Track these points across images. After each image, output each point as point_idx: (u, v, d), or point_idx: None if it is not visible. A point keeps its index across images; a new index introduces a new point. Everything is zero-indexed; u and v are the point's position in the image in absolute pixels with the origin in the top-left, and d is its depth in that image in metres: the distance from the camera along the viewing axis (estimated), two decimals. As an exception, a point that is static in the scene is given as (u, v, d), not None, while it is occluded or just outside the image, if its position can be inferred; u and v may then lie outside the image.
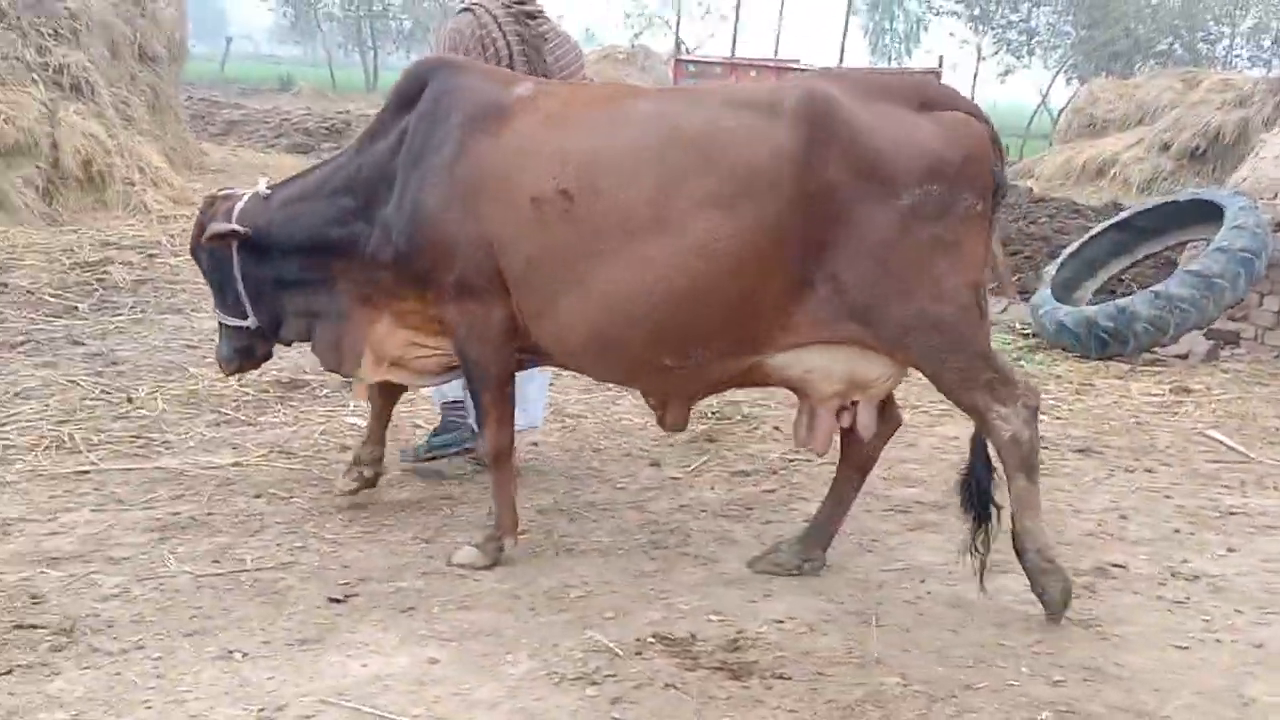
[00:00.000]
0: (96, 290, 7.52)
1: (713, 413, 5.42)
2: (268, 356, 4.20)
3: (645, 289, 3.32)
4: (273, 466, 4.56)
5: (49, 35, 10.21)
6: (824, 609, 3.45)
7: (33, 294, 7.34)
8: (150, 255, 8.79)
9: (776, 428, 5.30)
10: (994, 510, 3.46)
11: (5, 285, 7.49)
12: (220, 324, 4.09)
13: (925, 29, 51.56)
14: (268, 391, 5.52)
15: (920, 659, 3.16)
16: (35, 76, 9.98)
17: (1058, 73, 31.94)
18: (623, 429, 5.28)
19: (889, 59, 51.34)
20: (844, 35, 18.16)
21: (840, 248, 3.24)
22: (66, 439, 4.65)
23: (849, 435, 3.64)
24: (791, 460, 4.88)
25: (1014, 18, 32.08)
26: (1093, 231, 7.89)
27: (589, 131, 3.49)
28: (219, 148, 16.96)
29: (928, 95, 3.37)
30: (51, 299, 7.25)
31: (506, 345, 3.61)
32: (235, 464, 4.53)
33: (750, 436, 5.23)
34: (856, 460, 3.70)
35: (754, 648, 3.17)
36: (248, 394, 5.46)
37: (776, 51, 18.64)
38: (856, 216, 3.22)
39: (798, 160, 3.21)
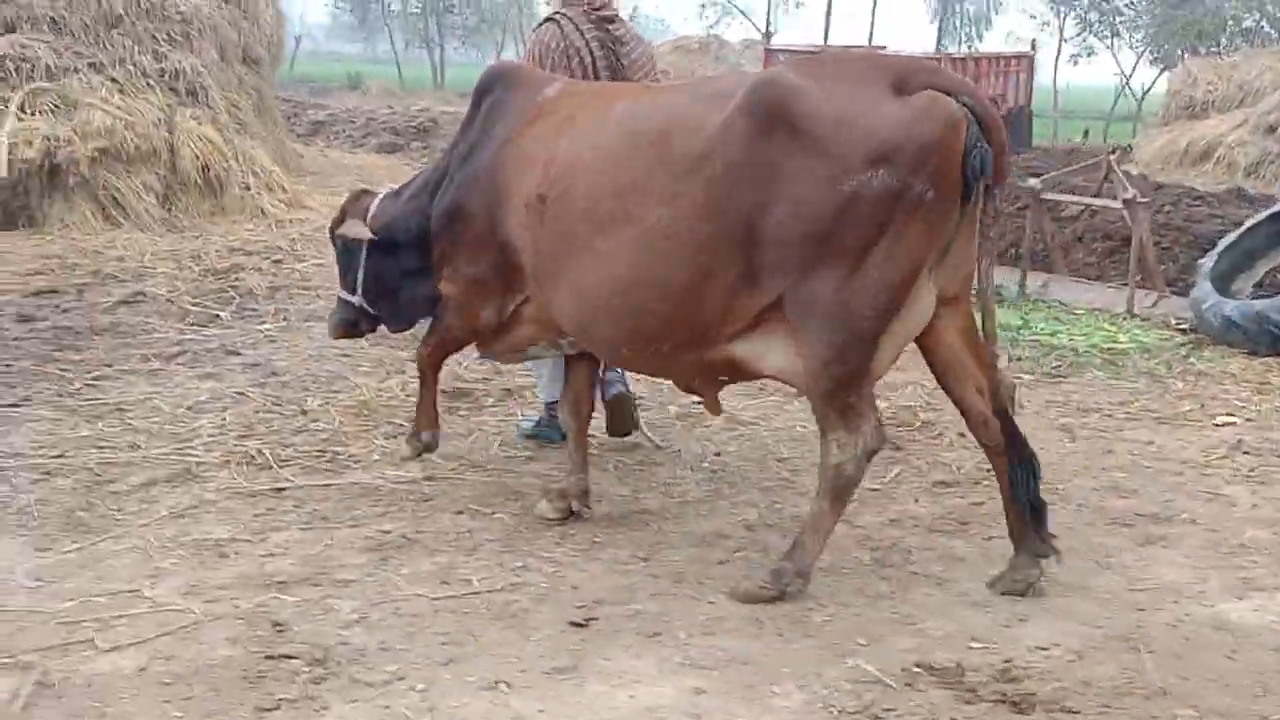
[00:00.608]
0: (234, 298, 7.51)
1: (889, 417, 5.27)
2: (371, 330, 4.59)
3: (604, 281, 3.54)
4: (463, 479, 4.49)
5: (164, 40, 10.25)
6: (1086, 634, 3.29)
7: (172, 302, 7.35)
8: (276, 261, 8.79)
9: (961, 434, 5.13)
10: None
11: (143, 294, 7.51)
12: (339, 296, 4.52)
13: (997, 10, 50.80)
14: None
15: (1204, 688, 3.01)
16: (151, 82, 10.02)
17: (1143, 53, 31.27)
18: (800, 436, 5.14)
19: (959, 43, 50.61)
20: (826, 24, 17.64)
21: (780, 230, 3.22)
22: (255, 454, 4.61)
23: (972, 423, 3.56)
24: (988, 469, 4.71)
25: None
26: (1250, 222, 7.62)
27: (573, 135, 3.70)
28: (307, 148, 17.01)
29: (904, 77, 3.22)
30: (192, 307, 7.25)
31: (476, 334, 4.15)
32: (428, 478, 4.46)
33: (937, 444, 5.08)
34: (991, 447, 3.57)
35: (1029, 678, 3.02)
36: (406, 397, 5.40)
37: (871, 39, 18.32)
38: (799, 198, 3.18)
39: (739, 146, 3.25)
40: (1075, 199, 8.61)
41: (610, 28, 4.67)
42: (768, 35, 17.34)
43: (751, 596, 3.42)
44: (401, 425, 5.08)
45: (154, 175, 9.65)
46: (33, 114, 9.24)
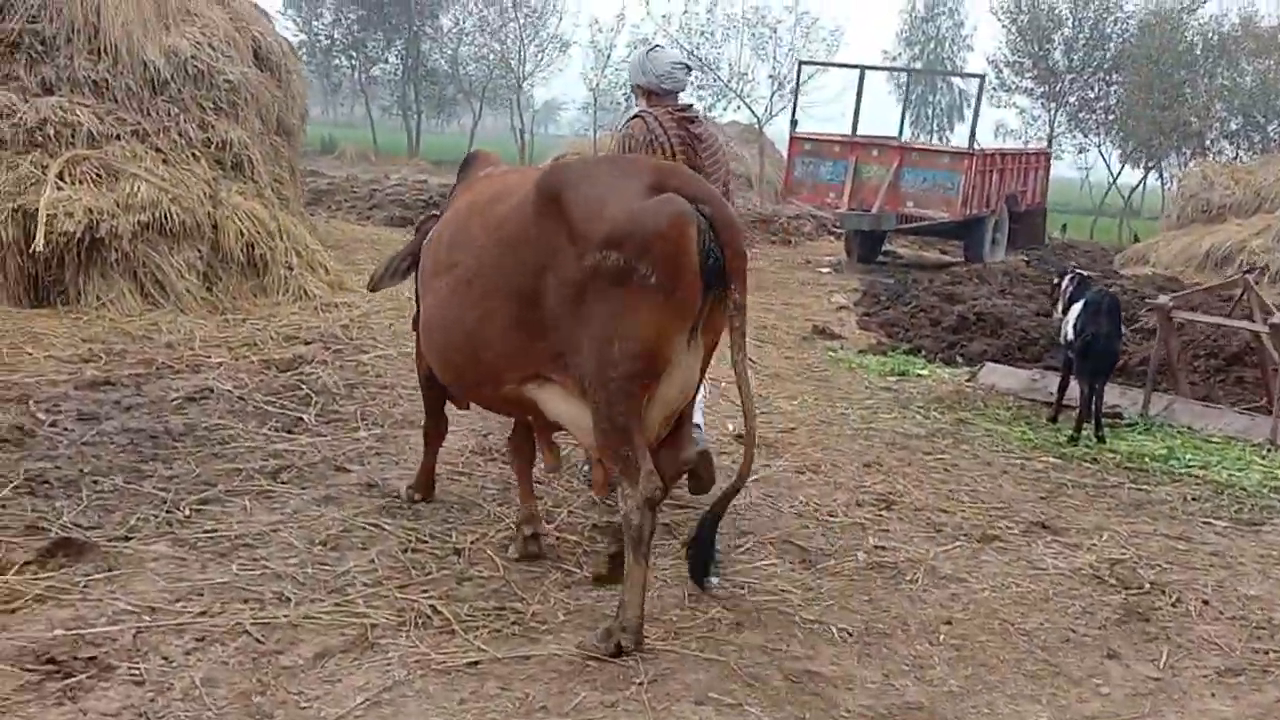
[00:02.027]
0: (311, 397, 6.81)
1: (1122, 584, 4.71)
2: None
3: (432, 318, 4.32)
4: (683, 653, 3.82)
5: (210, 109, 9.59)
6: None
7: (245, 401, 6.64)
8: (337, 351, 8.10)
9: (1205, 602, 4.57)
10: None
11: (210, 390, 6.80)
12: None
13: (968, 104, 51.46)
14: (595, 539, 4.80)
15: None
16: (197, 153, 9.35)
17: (1132, 152, 31.54)
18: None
19: (930, 133, 51.19)
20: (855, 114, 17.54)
21: (550, 293, 3.71)
22: (430, 613, 3.92)
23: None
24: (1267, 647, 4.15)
25: (1089, 95, 31.71)
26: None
27: (461, 201, 4.48)
28: (312, 219, 16.33)
29: (662, 180, 3.67)
30: (269, 407, 6.55)
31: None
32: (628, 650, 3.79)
33: (1178, 612, 4.50)
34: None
35: None
36: (576, 540, 4.75)
37: (902, 131, 18.07)
38: (560, 273, 3.66)
39: (527, 217, 3.80)
40: (1211, 319, 8.19)
41: (690, 127, 5.20)
42: (794, 123, 16.84)
43: (592, 651, 3.73)
44: (572, 571, 4.43)
45: (196, 253, 8.95)
46: (73, 183, 8.52)
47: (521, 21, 36.45)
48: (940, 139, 49.41)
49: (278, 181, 10.29)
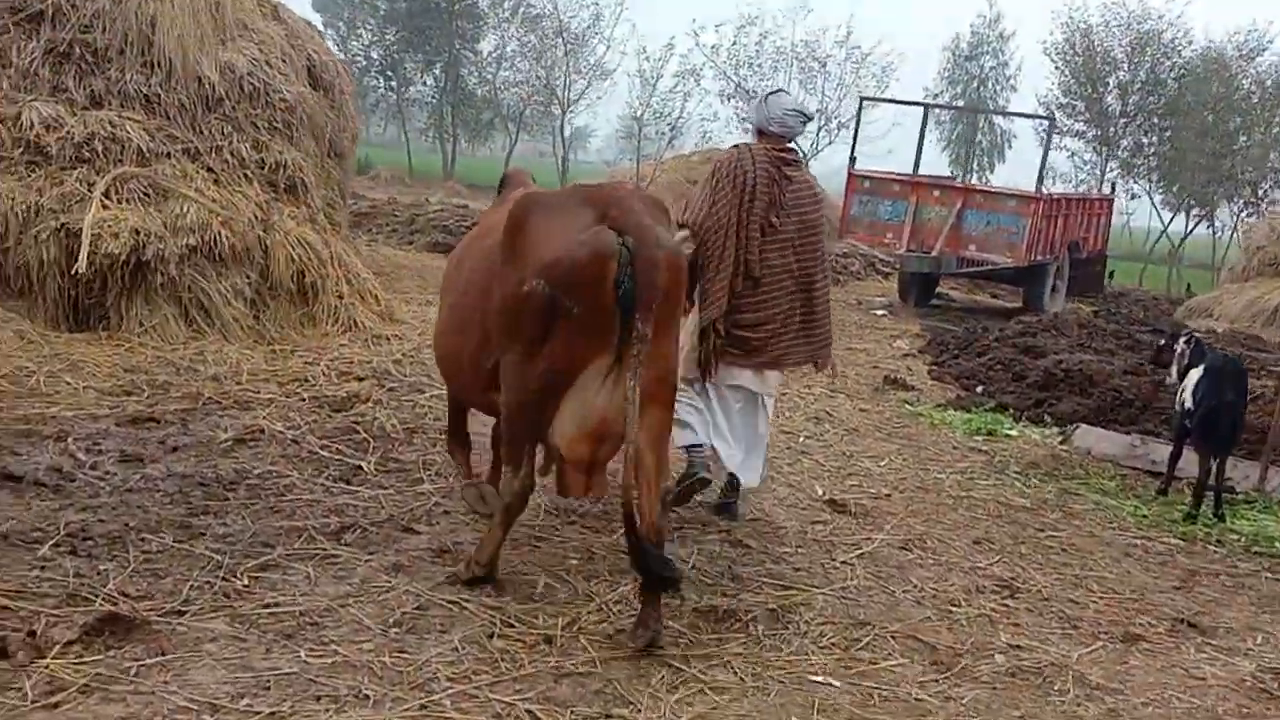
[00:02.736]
0: (369, 442, 6.31)
1: None
2: None
3: (437, 328, 4.95)
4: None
5: (265, 129, 9.14)
6: None
7: (299, 444, 6.16)
8: (391, 389, 7.62)
9: None
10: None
11: (260, 431, 6.31)
12: None
13: (1010, 145, 51.00)
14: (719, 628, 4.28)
15: None
16: (250, 174, 8.91)
17: (1185, 201, 30.93)
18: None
19: (971, 173, 50.55)
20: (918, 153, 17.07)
21: (496, 310, 4.12)
22: (528, 720, 3.40)
23: None
24: None
25: (1142, 140, 31.13)
26: None
27: (467, 238, 5.14)
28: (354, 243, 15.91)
29: (606, 211, 3.89)
30: (324, 452, 6.06)
31: None
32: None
33: None
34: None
35: None
36: (679, 630, 4.21)
37: (971, 173, 17.55)
38: (504, 288, 4.04)
39: (500, 240, 4.12)
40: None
41: (785, 168, 5.52)
42: (852, 160, 16.34)
43: (454, 579, 4.42)
44: (680, 669, 3.89)
45: (245, 279, 8.48)
46: (119, 202, 8.08)
47: (565, 48, 36.15)
48: (981, 179, 48.84)
49: (329, 206, 9.84)
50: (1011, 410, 8.90)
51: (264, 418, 6.58)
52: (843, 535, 5.63)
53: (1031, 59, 51.65)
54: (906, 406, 9.05)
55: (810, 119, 5.87)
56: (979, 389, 9.75)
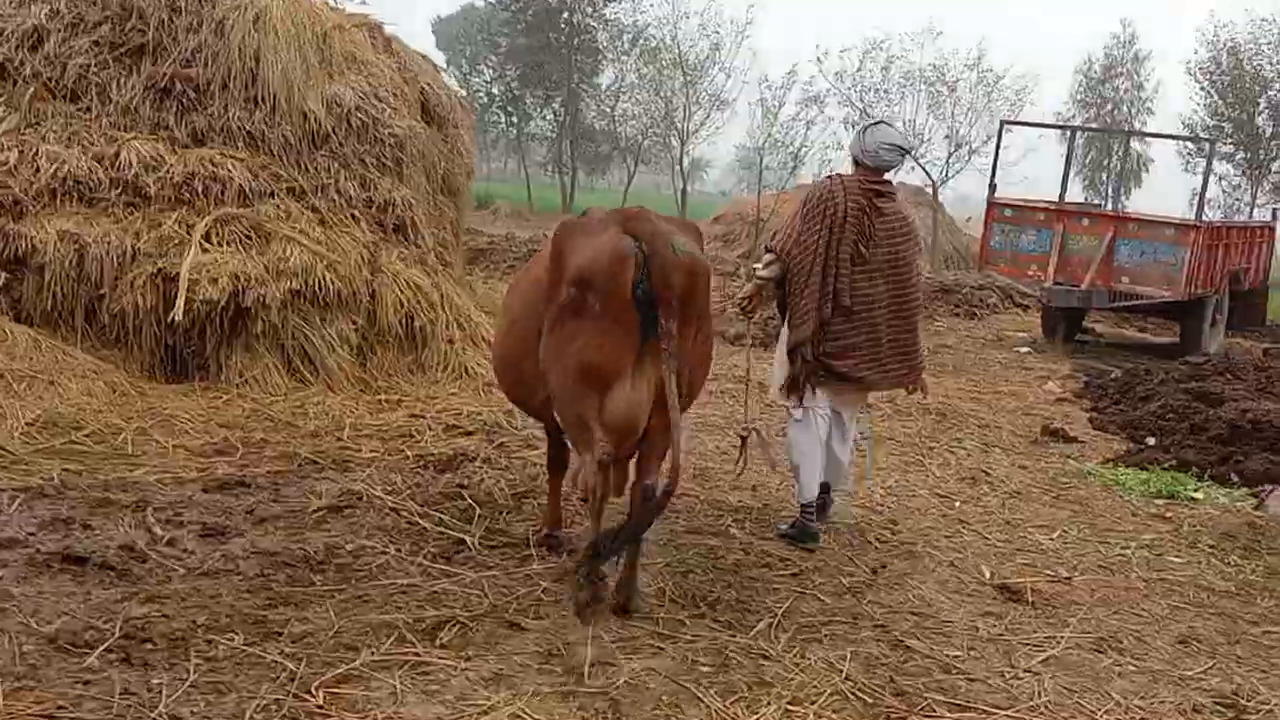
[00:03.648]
0: (473, 509, 5.68)
1: None
2: None
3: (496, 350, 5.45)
4: None
5: (373, 166, 8.67)
6: None
7: (397, 513, 5.55)
8: (500, 444, 7.00)
9: None
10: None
11: (357, 496, 5.73)
12: None
13: (1146, 169, 48.94)
14: None
15: None
16: (357, 214, 8.43)
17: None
18: None
19: (1105, 199, 48.55)
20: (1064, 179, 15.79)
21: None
22: None
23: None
24: None
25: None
26: None
27: (524, 266, 5.67)
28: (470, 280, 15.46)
29: (628, 223, 4.29)
30: (424, 522, 5.44)
31: None
32: None
33: None
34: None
35: None
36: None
37: (1113, 199, 16.39)
38: (548, 292, 4.43)
39: (547, 256, 4.54)
40: None
41: (877, 200, 5.58)
42: (992, 187, 15.34)
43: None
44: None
45: (351, 324, 7.99)
46: (219, 244, 7.66)
47: (684, 79, 35.63)
48: (1117, 205, 46.85)
49: (441, 246, 9.31)
50: (1193, 468, 7.87)
51: (363, 480, 6.02)
52: (1021, 632, 4.78)
53: (1170, 80, 49.37)
54: (1071, 462, 8.10)
55: (908, 152, 5.92)
56: (1150, 441, 8.73)
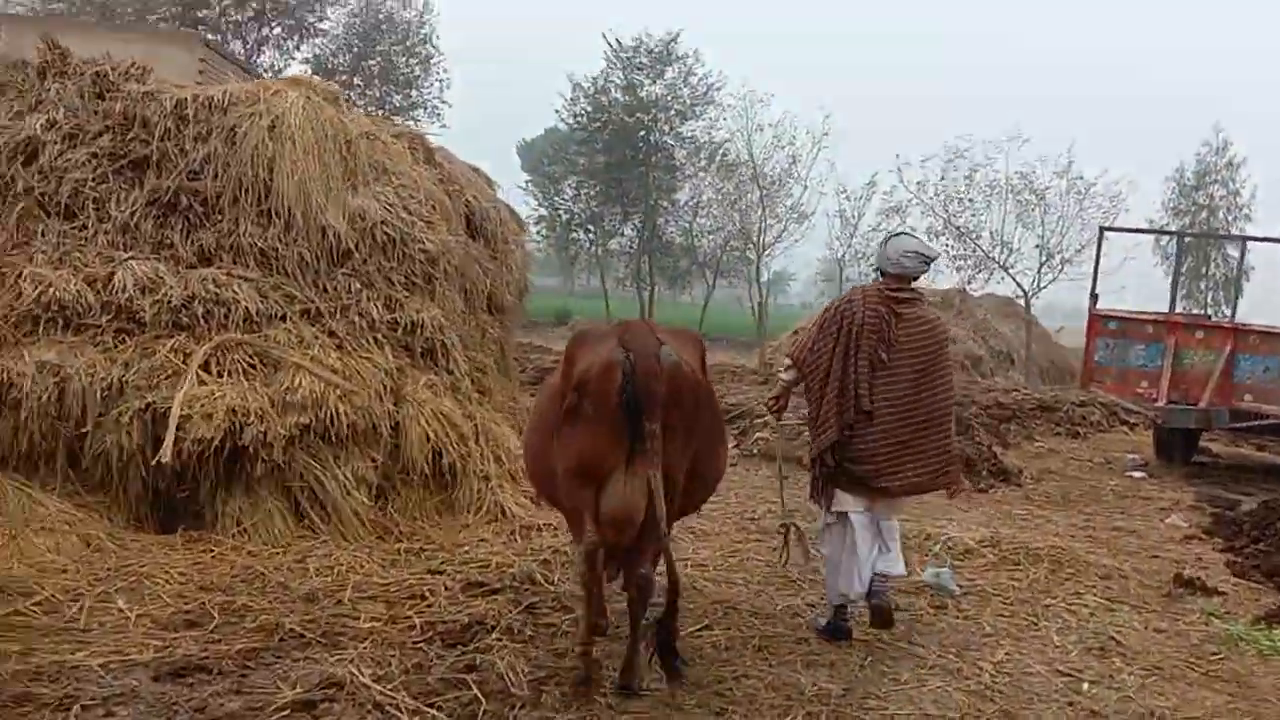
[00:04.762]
0: (478, 703, 4.57)
1: None
2: None
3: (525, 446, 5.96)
4: None
5: (400, 284, 7.79)
6: None
7: (382, 709, 4.47)
8: (529, 607, 5.92)
9: None
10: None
11: (340, 686, 4.67)
12: None
13: (1248, 277, 46.80)
14: None
15: None
16: (380, 338, 7.53)
17: None
18: None
19: (1204, 308, 46.56)
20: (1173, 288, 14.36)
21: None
22: None
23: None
24: None
25: None
26: None
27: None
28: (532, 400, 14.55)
29: (623, 336, 4.66)
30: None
31: None
32: None
33: None
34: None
35: None
36: None
37: (1205, 308, 15.05)
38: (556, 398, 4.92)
39: (564, 363, 5.00)
40: None
41: (897, 305, 5.79)
42: (1094, 297, 14.13)
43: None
44: None
45: (369, 462, 7.03)
46: (219, 375, 6.79)
47: (761, 193, 34.97)
48: (1217, 314, 44.89)
49: (479, 371, 8.36)
50: (1366, 630, 6.49)
51: (352, 660, 4.96)
52: None
53: (1267, 185, 47.60)
54: (1215, 621, 6.75)
55: (932, 260, 6.01)
56: (1307, 592, 7.35)
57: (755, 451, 11.46)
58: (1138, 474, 13.10)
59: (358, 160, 7.94)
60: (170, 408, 6.43)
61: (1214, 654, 6.11)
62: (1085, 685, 5.47)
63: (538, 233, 46.38)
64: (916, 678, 5.40)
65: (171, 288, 6.97)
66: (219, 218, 7.38)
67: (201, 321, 6.95)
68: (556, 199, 46.37)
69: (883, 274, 5.93)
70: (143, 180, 7.35)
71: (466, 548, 6.95)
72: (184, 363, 6.70)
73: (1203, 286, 48.79)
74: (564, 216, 44.69)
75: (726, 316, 46.01)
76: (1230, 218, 49.32)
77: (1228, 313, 46.36)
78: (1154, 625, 6.60)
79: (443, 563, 6.58)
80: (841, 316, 5.76)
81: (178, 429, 6.38)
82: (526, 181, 48.83)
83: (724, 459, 5.38)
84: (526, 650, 5.27)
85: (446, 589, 6.08)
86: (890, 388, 5.72)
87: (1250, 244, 22.71)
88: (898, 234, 6.28)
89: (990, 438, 13.69)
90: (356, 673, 4.81)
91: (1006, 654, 5.83)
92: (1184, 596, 7.28)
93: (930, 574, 6.96)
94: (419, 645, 5.25)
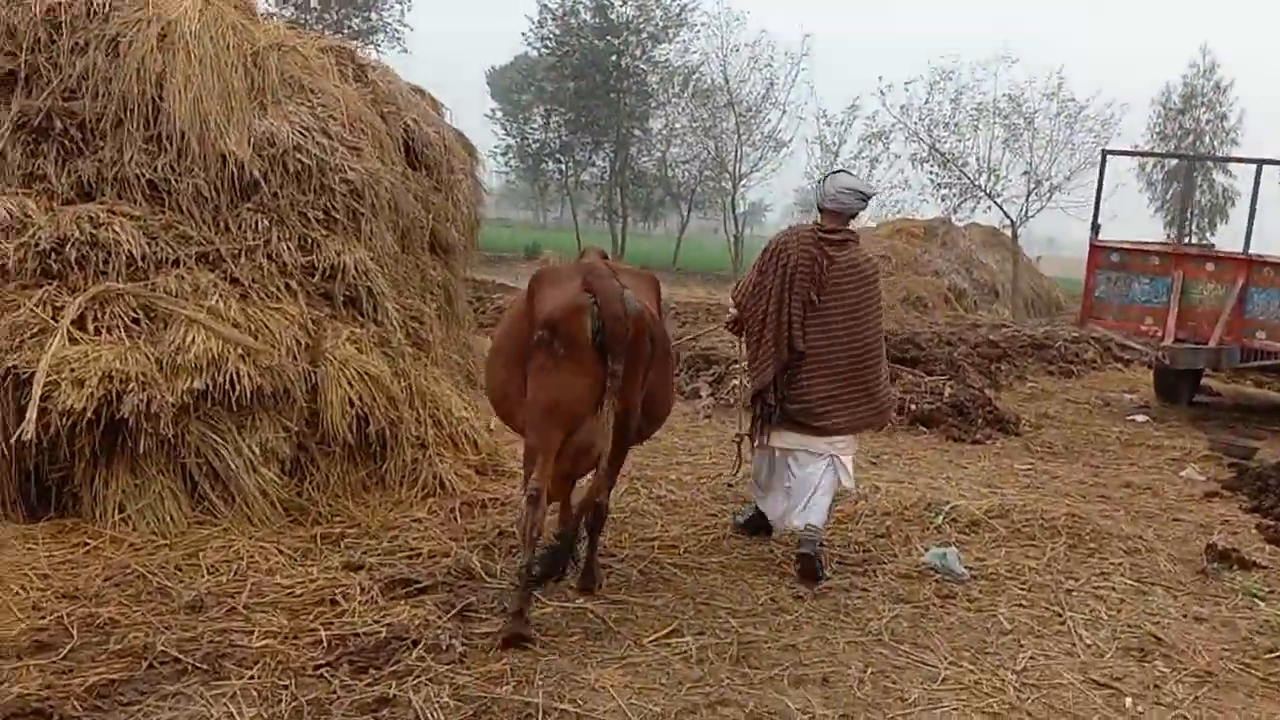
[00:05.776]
0: (385, 757, 3.60)
1: None
2: None
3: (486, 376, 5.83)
4: None
5: (318, 221, 6.69)
6: None
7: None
8: (465, 610, 4.95)
9: None
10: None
11: (210, 732, 3.68)
12: None
13: (1233, 204, 45.94)
14: None
15: None
16: (294, 284, 6.44)
17: None
18: None
19: (1191, 236, 45.73)
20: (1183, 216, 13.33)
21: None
22: None
23: None
24: None
25: None
26: None
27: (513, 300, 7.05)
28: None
29: (587, 277, 4.80)
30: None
31: None
32: None
33: None
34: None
35: None
36: None
37: (1189, 235, 14.04)
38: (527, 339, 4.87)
39: (523, 309, 5.06)
40: None
41: (829, 248, 5.88)
42: (1096, 228, 13.13)
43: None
44: None
45: (281, 433, 6.00)
46: (96, 332, 5.72)
47: (737, 120, 33.66)
48: (1201, 241, 43.98)
49: (415, 320, 7.28)
50: None
51: (232, 696, 3.96)
52: None
53: (1255, 109, 46.51)
54: (1259, 605, 5.85)
55: (869, 197, 6.14)
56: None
57: (733, 401, 10.45)
58: (1140, 417, 12.22)
59: (267, 76, 6.78)
60: (34, 372, 5.35)
61: (1270, 652, 5.20)
62: (1129, 700, 4.56)
63: (506, 163, 44.96)
64: (927, 696, 4.46)
65: (40, 228, 5.85)
66: (100, 144, 6.23)
67: (75, 268, 5.84)
68: (526, 128, 44.88)
69: (821, 211, 6.00)
70: (9, 101, 6.19)
71: (395, 531, 5.96)
72: (54, 318, 5.61)
73: (1190, 215, 47.83)
74: (533, 146, 43.19)
75: (702, 250, 44.88)
76: (1217, 142, 48.24)
77: (1213, 240, 45.47)
78: (1193, 613, 5.68)
79: (364, 553, 5.57)
80: (776, 259, 5.89)
81: (42, 398, 5.31)
82: (494, 109, 47.32)
83: (673, 395, 5.76)
84: (454, 674, 4.30)
85: (364, 590, 5.07)
86: (823, 329, 5.86)
87: (1244, 168, 21.61)
88: (836, 171, 6.44)
89: (982, 379, 12.79)
90: (236, 710, 3.83)
91: (1030, 658, 4.91)
92: (1219, 573, 6.37)
93: (934, 555, 6.03)
94: (321, 671, 4.26)
